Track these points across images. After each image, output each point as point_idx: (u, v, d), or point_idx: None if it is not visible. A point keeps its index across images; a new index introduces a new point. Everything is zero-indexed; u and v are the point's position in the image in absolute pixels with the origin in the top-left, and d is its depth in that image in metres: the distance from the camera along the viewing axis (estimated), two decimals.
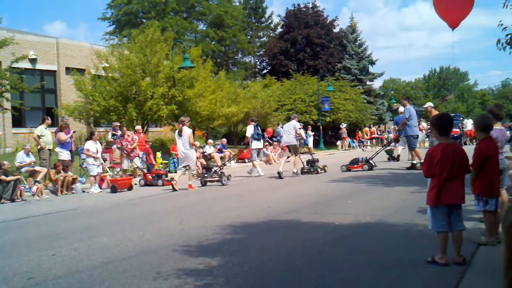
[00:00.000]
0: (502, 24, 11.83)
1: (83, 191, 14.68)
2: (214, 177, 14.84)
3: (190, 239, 6.90)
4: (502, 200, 6.50)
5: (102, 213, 10.51)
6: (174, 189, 13.26)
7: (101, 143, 16.57)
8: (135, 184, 15.38)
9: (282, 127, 28.99)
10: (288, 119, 19.74)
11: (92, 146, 14.93)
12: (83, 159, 15.78)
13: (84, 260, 6.10)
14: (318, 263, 5.51)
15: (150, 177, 15.53)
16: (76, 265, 5.86)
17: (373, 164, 16.67)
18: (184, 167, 13.82)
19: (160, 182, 15.12)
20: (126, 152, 16.02)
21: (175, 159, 18.21)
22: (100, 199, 12.87)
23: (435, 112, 16.90)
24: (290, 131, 16.21)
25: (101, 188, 14.96)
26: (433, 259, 5.15)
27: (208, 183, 14.70)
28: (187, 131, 13.68)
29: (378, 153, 17.82)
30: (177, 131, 14.00)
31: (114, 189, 14.12)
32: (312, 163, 16.93)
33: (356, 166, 16.53)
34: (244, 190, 13.21)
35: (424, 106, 23.11)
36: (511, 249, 1.70)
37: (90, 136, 15.47)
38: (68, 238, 7.53)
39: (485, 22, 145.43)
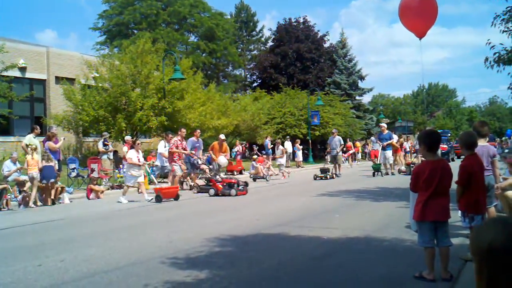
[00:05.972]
0: (490, 43, 12.05)
1: (71, 201, 14.56)
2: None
3: (178, 251, 6.87)
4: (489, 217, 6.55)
5: (89, 223, 10.42)
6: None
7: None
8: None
9: (269, 141, 29.49)
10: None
11: (134, 155, 14.45)
12: (120, 168, 15.75)
13: (70, 271, 6.05)
14: (305, 278, 5.52)
15: None
16: (62, 277, 5.81)
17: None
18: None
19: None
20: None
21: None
22: (88, 210, 12.76)
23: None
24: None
25: (88, 198, 14.83)
26: (420, 274, 5.18)
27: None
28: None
29: None
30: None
31: (159, 199, 13.57)
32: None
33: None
34: (232, 203, 13.17)
35: None
36: (480, 275, 1.69)
37: (132, 145, 15.43)
38: (55, 249, 7.46)
39: (474, 40, 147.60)
